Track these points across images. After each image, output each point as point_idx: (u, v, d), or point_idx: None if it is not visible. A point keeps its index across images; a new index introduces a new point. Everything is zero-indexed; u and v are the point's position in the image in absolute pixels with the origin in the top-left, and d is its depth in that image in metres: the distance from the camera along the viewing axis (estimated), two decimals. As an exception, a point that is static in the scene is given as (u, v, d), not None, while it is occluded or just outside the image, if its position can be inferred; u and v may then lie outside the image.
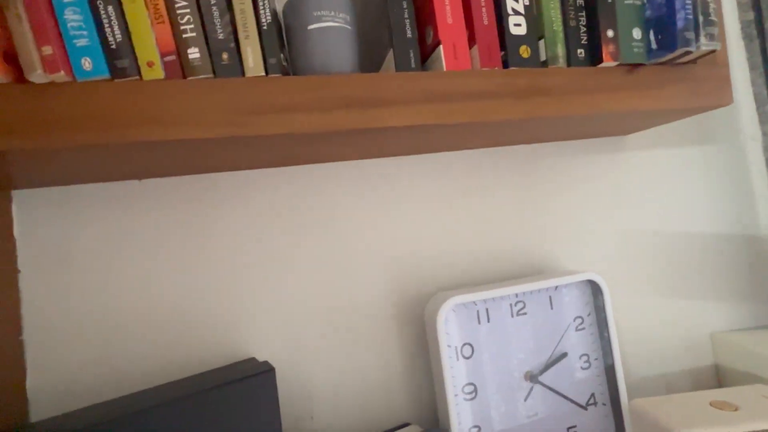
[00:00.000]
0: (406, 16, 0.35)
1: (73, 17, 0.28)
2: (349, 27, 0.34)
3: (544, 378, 0.44)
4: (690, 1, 0.37)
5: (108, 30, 0.28)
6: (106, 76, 0.28)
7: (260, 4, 0.31)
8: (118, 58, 0.28)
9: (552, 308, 0.45)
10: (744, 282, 0.59)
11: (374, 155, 0.46)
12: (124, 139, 0.28)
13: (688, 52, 0.38)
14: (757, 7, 0.59)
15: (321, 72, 0.33)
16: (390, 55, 0.35)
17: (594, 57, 0.38)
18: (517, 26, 0.36)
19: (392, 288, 0.47)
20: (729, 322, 0.58)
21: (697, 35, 0.37)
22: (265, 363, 0.38)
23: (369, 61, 0.42)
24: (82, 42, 0.28)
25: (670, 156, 0.58)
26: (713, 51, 0.38)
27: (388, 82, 0.33)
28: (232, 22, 0.31)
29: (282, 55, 0.33)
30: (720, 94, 0.42)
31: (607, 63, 0.38)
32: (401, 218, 0.48)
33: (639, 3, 0.39)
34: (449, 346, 0.41)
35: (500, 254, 0.51)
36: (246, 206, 0.44)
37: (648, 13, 0.39)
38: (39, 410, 0.38)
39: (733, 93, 0.61)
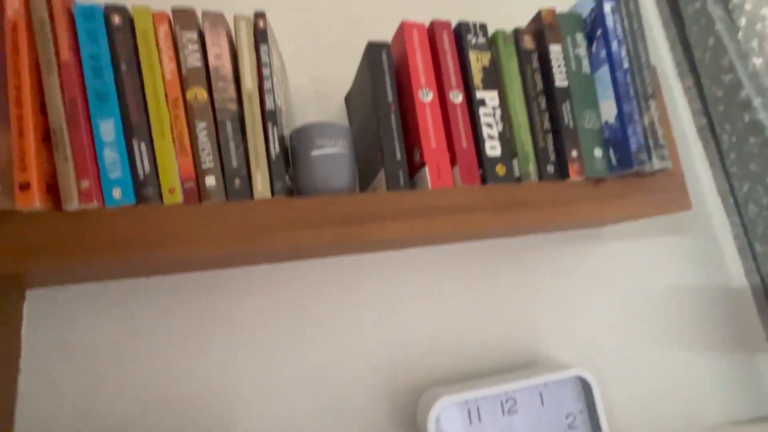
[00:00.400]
0: (395, 141, 0.40)
1: (111, 154, 0.32)
2: (346, 151, 0.39)
3: (540, 483, 0.43)
4: (640, 129, 0.43)
5: (138, 163, 0.33)
6: (132, 202, 0.32)
7: (270, 138, 0.36)
8: (144, 187, 0.33)
9: (543, 405, 0.46)
10: (737, 370, 0.59)
11: (368, 251, 0.50)
12: (145, 258, 0.31)
13: (642, 171, 0.43)
14: (707, 114, 0.67)
15: (322, 190, 0.38)
16: (382, 173, 0.40)
17: (562, 172, 0.43)
18: (493, 149, 0.42)
19: (385, 383, 0.48)
20: (728, 413, 0.58)
21: (650, 156, 0.43)
22: (254, 470, 0.37)
23: (363, 173, 0.47)
24: (115, 175, 0.32)
25: (646, 245, 0.62)
26: (666, 168, 0.44)
27: (379, 199, 0.37)
28: (245, 153, 0.36)
29: (287, 175, 0.37)
30: (678, 202, 0.47)
31: (574, 178, 0.43)
32: (393, 311, 0.50)
33: (597, 127, 0.45)
34: (441, 449, 0.41)
35: (491, 346, 0.52)
36: (244, 302, 0.46)
37: (606, 134, 0.45)
38: None
39: (699, 187, 0.67)
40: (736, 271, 0.64)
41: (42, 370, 0.40)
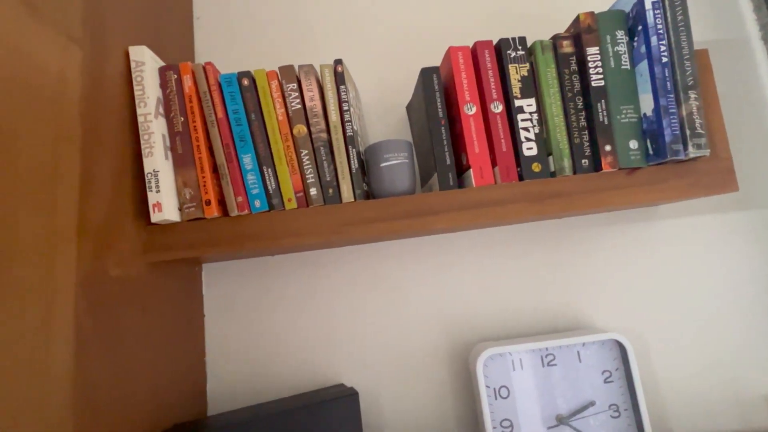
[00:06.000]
0: (445, 150, 0.50)
1: (251, 178, 0.49)
2: (408, 161, 0.51)
3: (574, 422, 0.52)
4: (676, 120, 0.47)
5: (268, 182, 0.49)
6: (266, 209, 0.49)
7: (350, 156, 0.49)
8: (273, 198, 0.49)
9: (581, 361, 0.54)
10: (805, 346, 0.59)
11: (428, 235, 0.61)
12: (277, 245, 0.48)
13: (679, 160, 0.47)
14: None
15: (390, 194, 0.50)
16: (435, 176, 0.51)
17: (596, 165, 0.49)
18: (530, 149, 0.49)
19: (442, 338, 0.61)
20: (796, 386, 0.59)
21: (685, 146, 0.46)
22: (351, 388, 0.54)
23: (424, 169, 0.58)
24: (255, 191, 0.49)
25: (706, 222, 0.63)
26: (703, 156, 0.47)
27: (434, 198, 0.49)
28: (335, 169, 0.50)
29: (364, 184, 0.50)
30: (724, 184, 0.49)
31: (606, 170, 0.49)
32: (450, 282, 0.62)
33: (635, 120, 0.49)
34: (488, 387, 0.53)
35: (537, 313, 0.61)
36: (337, 273, 0.62)
37: (645, 126, 0.49)
38: (213, 409, 0.59)
39: (780, 158, 0.64)
40: (820, 247, 0.61)
41: (218, 315, 0.61)
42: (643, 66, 0.49)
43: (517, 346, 0.53)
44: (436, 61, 0.67)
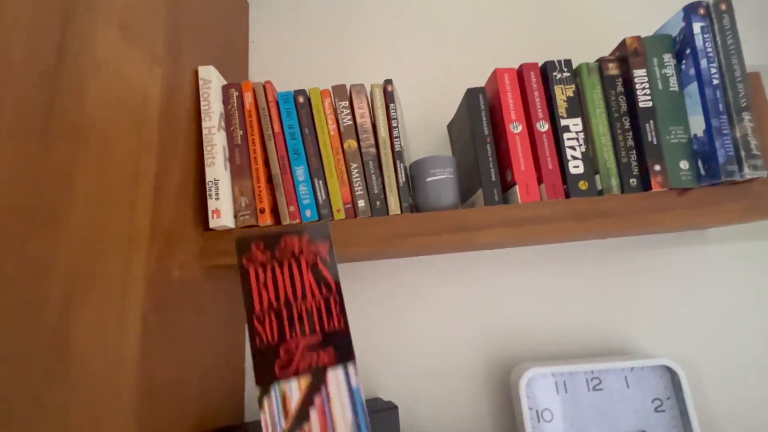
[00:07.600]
0: (491, 166, 0.51)
1: (303, 189, 0.51)
2: (452, 176, 0.52)
3: (623, 452, 0.50)
4: (729, 141, 0.46)
5: (318, 193, 0.51)
6: (316, 219, 0.51)
7: (398, 171, 0.51)
8: (322, 209, 0.51)
9: (629, 387, 0.52)
10: None
11: (471, 250, 0.62)
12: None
13: (734, 181, 0.46)
14: None
15: (435, 208, 0.51)
16: (480, 191, 0.52)
17: (645, 185, 0.49)
18: (576, 167, 0.50)
19: (481, 356, 0.60)
20: None
21: (741, 167, 0.46)
22: (390, 402, 0.53)
23: (465, 186, 0.59)
24: (306, 201, 0.51)
25: (757, 248, 0.60)
26: (759, 177, 0.46)
27: (478, 213, 0.49)
28: (382, 183, 0.51)
29: (410, 197, 0.52)
30: (782, 207, 0.47)
31: (656, 189, 0.48)
32: (491, 299, 0.62)
33: (685, 140, 0.49)
34: (531, 409, 0.52)
35: (582, 334, 0.60)
36: (376, 288, 0.63)
37: (695, 147, 0.49)
38: (249, 416, 0.59)
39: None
40: None
41: (257, 323, 0.62)
42: (693, 88, 0.49)
43: (561, 368, 0.52)
44: (476, 82, 0.69)
